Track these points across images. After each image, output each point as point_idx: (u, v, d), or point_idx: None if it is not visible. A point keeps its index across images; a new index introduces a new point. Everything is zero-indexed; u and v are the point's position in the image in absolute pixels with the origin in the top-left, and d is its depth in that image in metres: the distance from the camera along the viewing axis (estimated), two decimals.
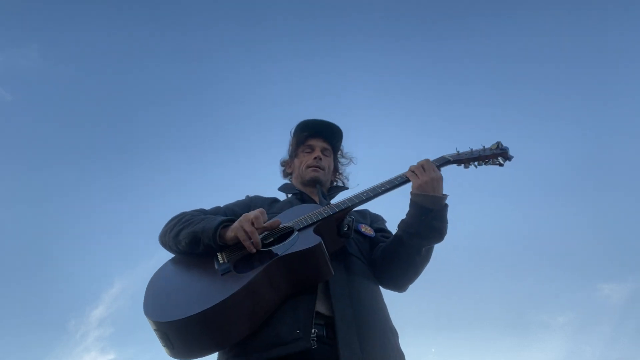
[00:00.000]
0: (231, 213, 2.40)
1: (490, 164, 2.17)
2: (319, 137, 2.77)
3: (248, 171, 7.11)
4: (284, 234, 2.05)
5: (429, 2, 7.94)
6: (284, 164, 2.93)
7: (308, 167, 2.67)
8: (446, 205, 2.13)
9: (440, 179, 2.13)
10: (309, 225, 2.04)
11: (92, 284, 7.55)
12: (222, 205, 2.50)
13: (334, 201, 2.62)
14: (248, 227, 1.93)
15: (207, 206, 2.48)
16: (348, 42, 7.93)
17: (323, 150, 2.74)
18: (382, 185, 2.20)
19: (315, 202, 2.51)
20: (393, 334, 2.06)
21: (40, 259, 7.40)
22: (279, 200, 2.60)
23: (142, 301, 1.91)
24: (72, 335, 7.35)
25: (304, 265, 1.89)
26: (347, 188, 2.82)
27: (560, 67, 7.39)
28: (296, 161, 2.78)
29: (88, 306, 7.49)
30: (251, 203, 2.50)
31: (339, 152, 2.91)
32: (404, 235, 2.15)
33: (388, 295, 2.28)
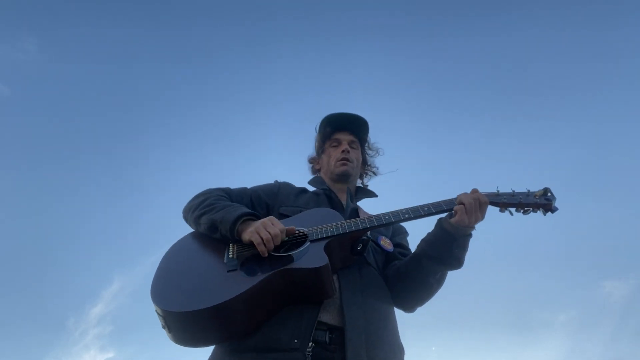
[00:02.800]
0: (256, 196, 2.40)
1: (529, 213, 1.99)
2: (344, 130, 2.71)
3: (249, 168, 7.07)
4: (297, 241, 2.03)
5: (431, 1, 7.84)
6: (311, 161, 2.88)
7: (337, 161, 2.61)
8: (470, 235, 2.05)
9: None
10: (322, 239, 2.00)
11: (91, 282, 7.57)
12: (249, 187, 2.49)
13: (359, 204, 2.59)
14: (264, 235, 1.93)
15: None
16: (350, 39, 7.78)
17: (350, 143, 2.68)
18: (425, 206, 2.08)
19: (341, 201, 2.47)
20: (400, 350, 2.05)
21: (39, 256, 7.40)
22: (307, 192, 2.56)
23: (152, 278, 1.98)
24: (71, 333, 7.38)
25: (306, 282, 1.89)
26: (376, 195, 2.74)
27: (560, 67, 7.33)
28: (324, 157, 2.74)
29: (87, 304, 7.50)
30: (279, 191, 2.47)
31: (366, 144, 2.84)
32: (423, 258, 2.10)
33: None
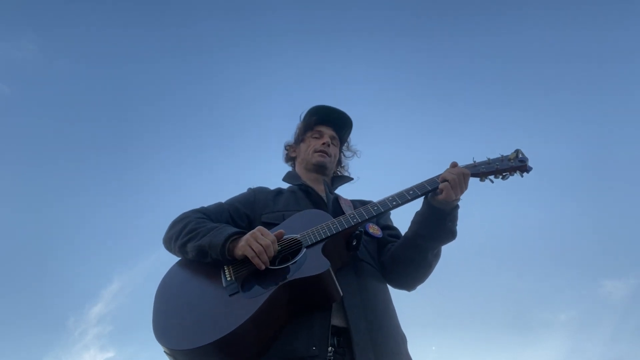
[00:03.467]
0: (234, 210, 2.34)
1: (507, 177, 2.08)
2: (328, 125, 2.71)
3: (246, 165, 7.05)
4: (292, 250, 2.00)
5: None
6: (288, 147, 2.85)
7: (315, 151, 2.61)
8: (458, 206, 2.10)
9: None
10: (318, 242, 1.98)
11: (91, 281, 7.50)
12: (224, 202, 2.43)
13: (338, 191, 2.58)
14: (256, 247, 1.89)
15: (208, 202, 2.42)
16: (349, 38, 7.78)
17: (331, 139, 2.68)
18: (411, 190, 2.09)
19: (320, 194, 2.45)
20: (403, 340, 2.08)
21: (39, 256, 7.32)
22: (283, 191, 2.52)
23: (152, 319, 1.90)
24: (71, 333, 7.34)
25: (311, 290, 1.87)
26: (352, 179, 2.77)
27: (564, 64, 7.32)
28: (302, 145, 2.71)
29: (87, 303, 7.45)
30: (255, 198, 2.42)
31: (345, 144, 2.84)
32: (418, 238, 2.12)
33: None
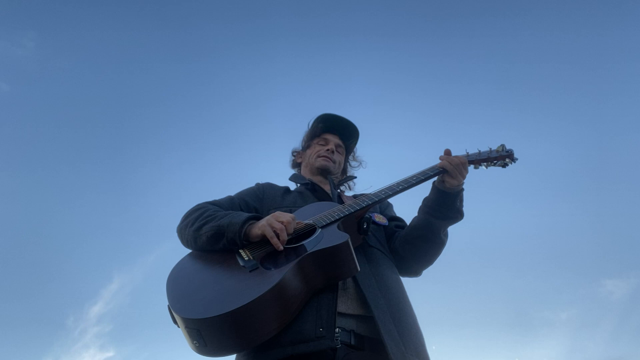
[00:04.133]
0: (243, 204, 2.39)
1: (498, 165, 2.31)
2: (335, 133, 2.79)
3: (248, 167, 7.09)
4: (307, 231, 2.05)
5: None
6: (295, 153, 2.93)
7: (319, 156, 2.68)
8: (463, 189, 2.26)
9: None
10: (332, 222, 2.06)
11: (91, 280, 7.45)
12: (233, 194, 2.47)
13: (346, 192, 2.69)
14: (277, 225, 1.94)
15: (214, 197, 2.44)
16: (349, 39, 7.88)
17: (337, 147, 2.76)
18: (414, 176, 2.25)
19: (326, 191, 2.52)
20: (418, 329, 2.11)
21: (38, 255, 7.29)
22: (290, 191, 2.59)
23: (167, 296, 1.86)
24: (70, 332, 7.30)
25: (332, 262, 1.91)
26: (355, 177, 2.85)
27: (561, 66, 7.35)
28: (308, 152, 2.79)
29: (87, 302, 7.42)
30: (264, 194, 2.48)
31: (351, 154, 2.92)
32: (430, 218, 2.25)
33: None
